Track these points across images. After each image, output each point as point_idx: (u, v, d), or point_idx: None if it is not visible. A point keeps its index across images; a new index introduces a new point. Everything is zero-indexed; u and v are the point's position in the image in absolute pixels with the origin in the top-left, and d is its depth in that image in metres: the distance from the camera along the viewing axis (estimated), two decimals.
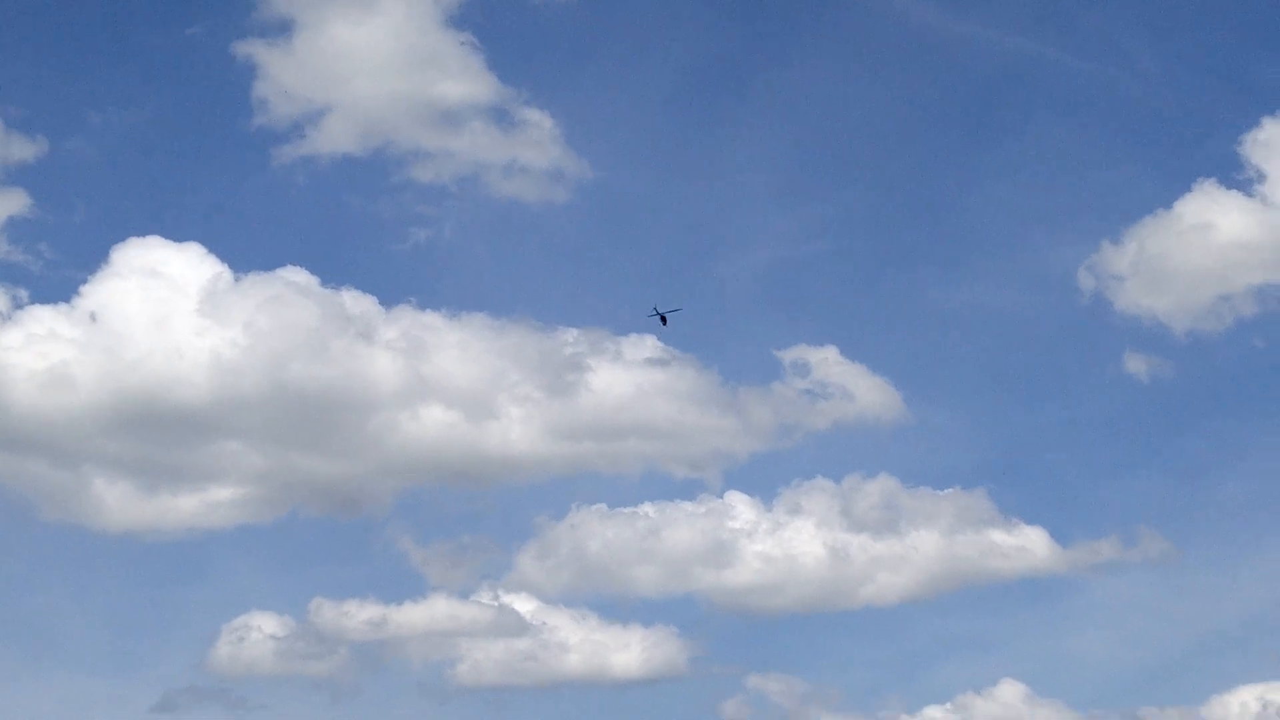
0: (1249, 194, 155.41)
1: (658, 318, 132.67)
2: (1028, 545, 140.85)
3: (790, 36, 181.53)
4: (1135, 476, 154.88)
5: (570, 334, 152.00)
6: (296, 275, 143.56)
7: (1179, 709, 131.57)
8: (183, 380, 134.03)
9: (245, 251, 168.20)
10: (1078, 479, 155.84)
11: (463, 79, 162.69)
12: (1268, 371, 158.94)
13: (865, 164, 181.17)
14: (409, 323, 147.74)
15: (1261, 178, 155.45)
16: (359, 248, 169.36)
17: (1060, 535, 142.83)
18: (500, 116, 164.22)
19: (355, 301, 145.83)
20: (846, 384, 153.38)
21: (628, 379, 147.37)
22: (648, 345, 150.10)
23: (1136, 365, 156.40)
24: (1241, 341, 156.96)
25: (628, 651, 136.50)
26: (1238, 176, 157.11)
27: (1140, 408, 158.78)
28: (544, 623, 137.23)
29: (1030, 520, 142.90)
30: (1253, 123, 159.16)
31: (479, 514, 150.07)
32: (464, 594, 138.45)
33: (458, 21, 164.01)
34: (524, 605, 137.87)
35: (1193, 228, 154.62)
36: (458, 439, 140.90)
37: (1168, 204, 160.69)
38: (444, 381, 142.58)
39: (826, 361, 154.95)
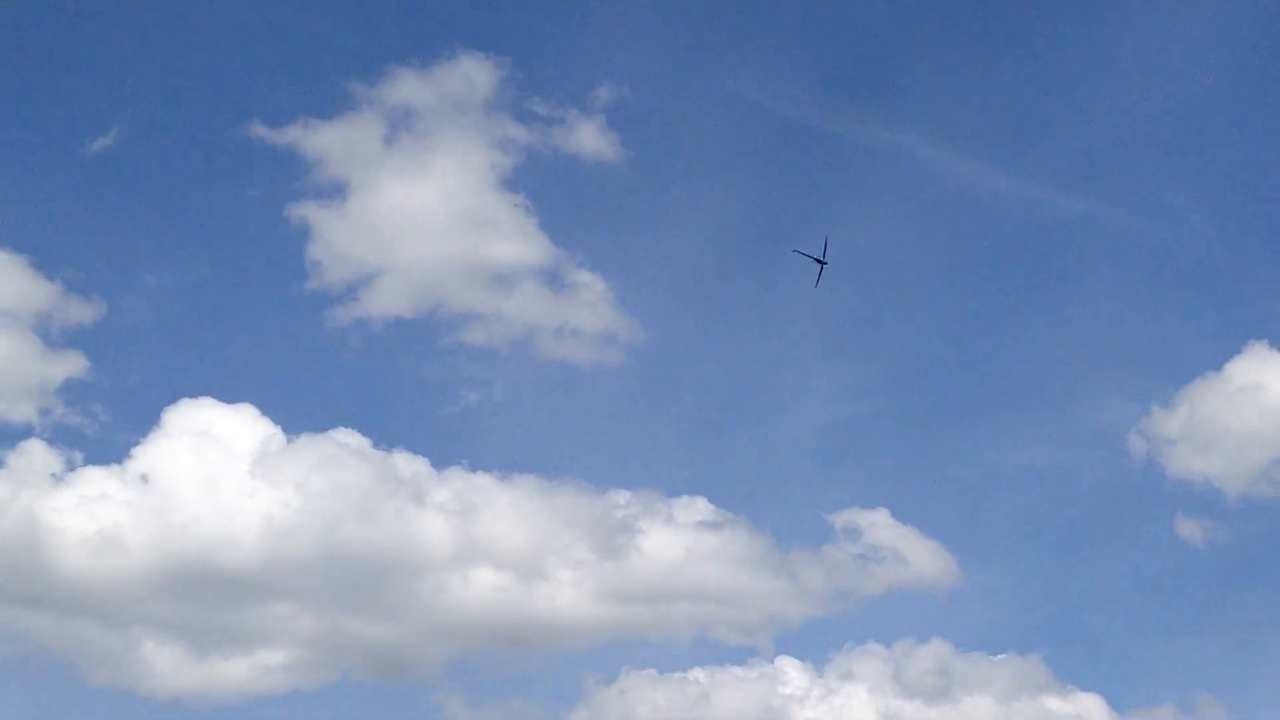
0: None
1: (812, 259, 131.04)
2: (1084, 713, 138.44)
3: (837, 195, 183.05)
4: (1192, 642, 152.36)
5: (621, 496, 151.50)
6: (348, 437, 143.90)
7: None
8: (234, 542, 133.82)
9: (297, 413, 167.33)
10: (1134, 645, 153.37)
11: (515, 241, 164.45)
12: None
13: (914, 323, 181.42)
14: (460, 484, 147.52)
15: None
16: (411, 409, 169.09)
17: (1117, 703, 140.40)
18: (552, 279, 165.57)
19: (407, 463, 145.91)
20: (899, 547, 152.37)
21: (679, 542, 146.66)
22: (699, 508, 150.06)
23: (1189, 529, 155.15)
24: None
25: None
26: None
27: (1195, 572, 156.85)
28: None
29: (1086, 687, 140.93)
30: None
31: (529, 677, 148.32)
32: None
33: (511, 184, 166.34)
34: None
35: (1243, 390, 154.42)
36: (508, 602, 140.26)
37: (1218, 366, 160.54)
38: (494, 543, 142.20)
39: (878, 525, 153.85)
